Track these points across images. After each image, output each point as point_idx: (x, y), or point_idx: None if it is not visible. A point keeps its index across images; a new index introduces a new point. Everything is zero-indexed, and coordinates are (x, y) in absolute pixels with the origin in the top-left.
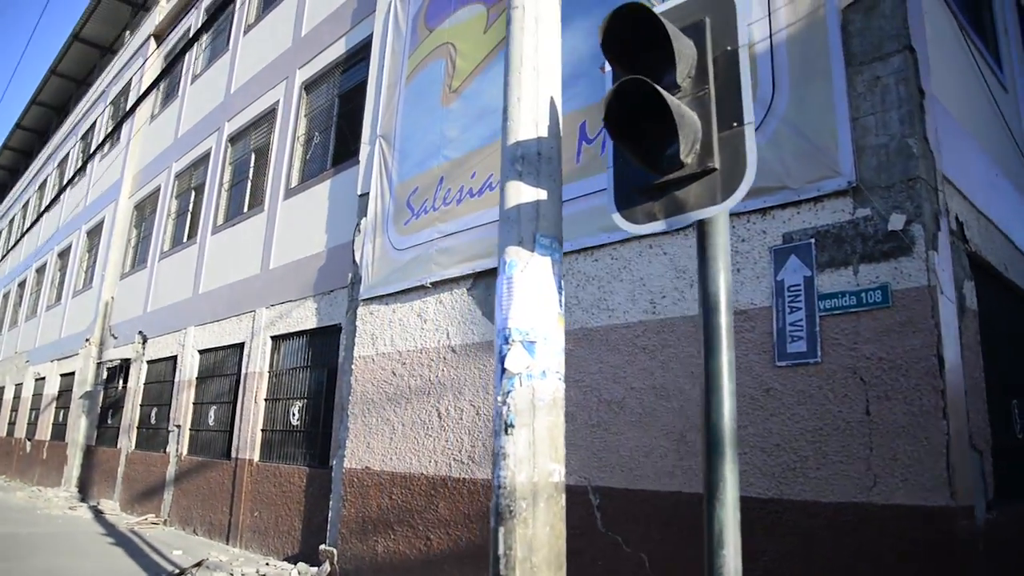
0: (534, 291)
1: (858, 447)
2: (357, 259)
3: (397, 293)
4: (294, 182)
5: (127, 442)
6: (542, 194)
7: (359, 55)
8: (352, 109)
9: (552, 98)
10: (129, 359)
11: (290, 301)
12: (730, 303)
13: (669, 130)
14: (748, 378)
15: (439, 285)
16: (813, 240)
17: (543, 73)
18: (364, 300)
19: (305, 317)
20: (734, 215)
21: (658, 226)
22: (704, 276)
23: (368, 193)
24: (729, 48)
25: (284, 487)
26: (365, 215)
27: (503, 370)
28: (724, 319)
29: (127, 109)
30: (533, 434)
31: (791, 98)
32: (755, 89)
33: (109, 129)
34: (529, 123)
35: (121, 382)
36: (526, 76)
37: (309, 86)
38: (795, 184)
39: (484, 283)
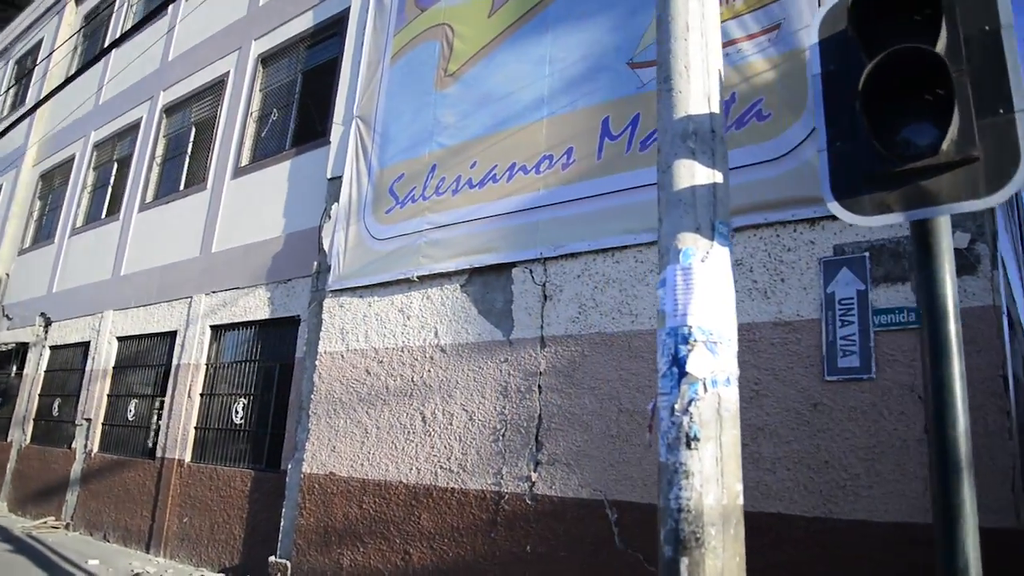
0: (716, 285)
1: (915, 466)
2: (325, 247)
3: (375, 286)
4: (245, 160)
5: (20, 435)
6: (718, 176)
7: (330, 31)
8: (319, 87)
9: (720, 71)
10: (27, 343)
11: (236, 289)
12: (957, 309)
13: (922, 111)
14: (794, 392)
15: (427, 280)
16: (867, 254)
17: (710, 42)
18: (333, 291)
19: (255, 307)
20: (778, 223)
21: (893, 218)
22: (929, 280)
23: (340, 177)
24: (987, 27)
25: (223, 491)
26: (337, 200)
27: (682, 374)
28: (952, 326)
29: (34, 69)
30: (720, 449)
31: None
32: (805, 99)
33: (10, 90)
34: (700, 96)
35: (15, 368)
36: (693, 44)
37: (267, 59)
38: None
39: (481, 280)
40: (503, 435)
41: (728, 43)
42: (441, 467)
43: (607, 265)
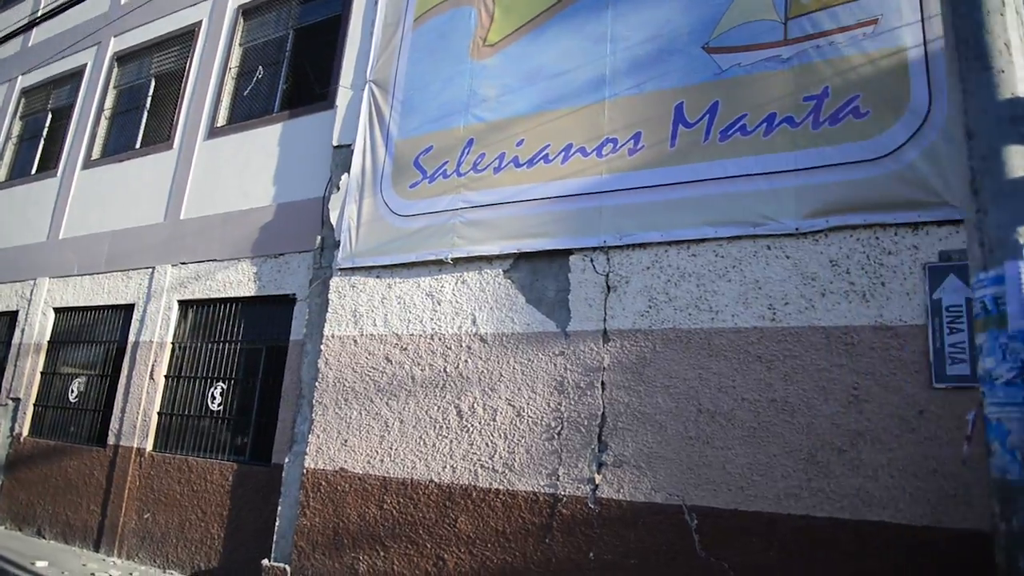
0: None
1: None
2: (332, 220)
3: (397, 266)
4: (222, 121)
5: None
6: None
7: None
8: (317, 46)
9: None
10: None
11: (212, 261)
12: None
13: None
14: (897, 398)
15: (462, 262)
16: None
17: None
18: (343, 270)
19: (236, 282)
20: (878, 225)
21: None
22: None
23: (350, 145)
24: None
25: (195, 485)
26: (347, 171)
27: None
28: None
29: None
30: None
31: (951, 111)
32: (906, 99)
33: None
34: None
35: None
36: (1011, 20)
37: (249, 11)
38: (956, 201)
39: (529, 266)
40: (559, 433)
41: (819, 34)
42: (482, 466)
43: (682, 258)
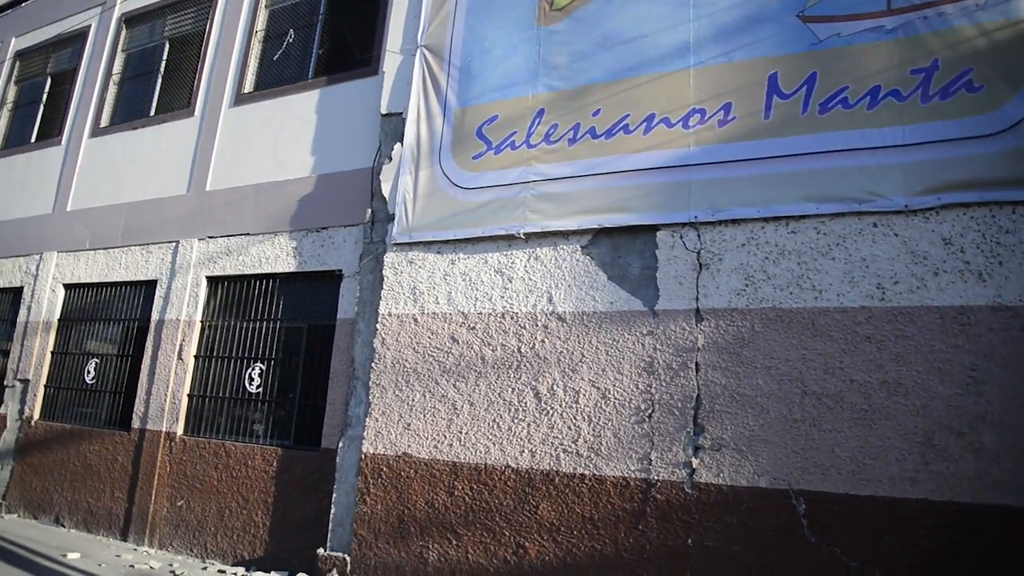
0: None
1: None
2: (384, 193)
3: (460, 241)
4: (249, 87)
5: None
6: None
7: None
8: (356, 9)
9: None
10: None
11: (245, 235)
12: None
13: None
14: (1019, 380)
15: (535, 238)
16: None
17: None
18: (399, 245)
19: (273, 257)
20: (994, 204)
21: None
22: None
23: (400, 114)
24: None
25: (235, 471)
26: (399, 141)
27: None
28: None
29: None
30: None
31: None
32: None
33: None
34: None
35: None
36: None
37: None
38: None
39: (610, 242)
40: (649, 416)
41: (925, 5)
42: (565, 450)
43: (780, 235)
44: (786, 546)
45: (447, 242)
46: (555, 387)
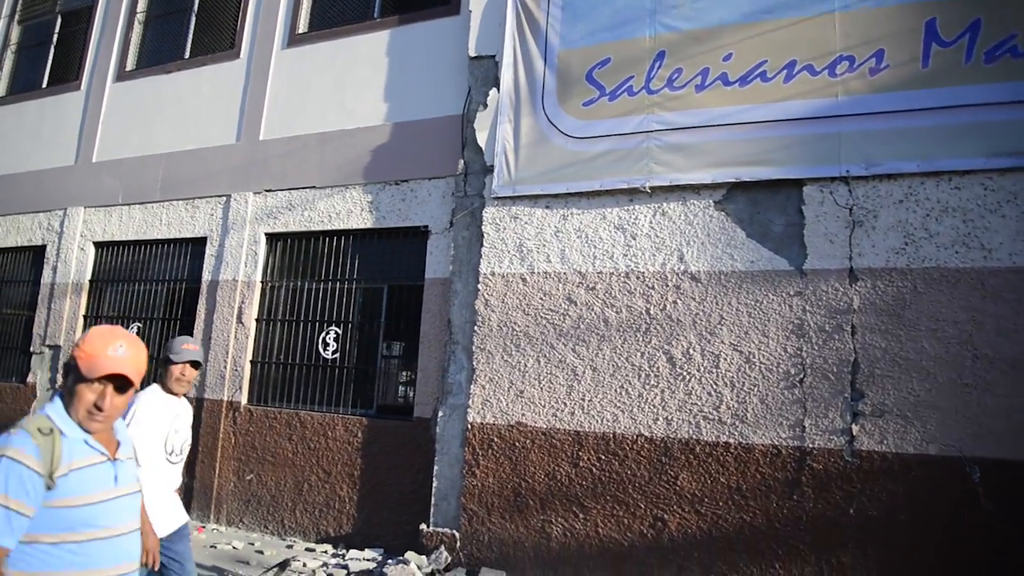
0: None
1: None
2: (480, 142)
3: (573, 195)
4: (303, 27)
5: None
6: None
7: None
8: None
9: None
10: None
11: (310, 188)
12: None
13: None
14: None
15: (661, 192)
16: None
17: None
18: (500, 199)
19: (344, 212)
20: None
21: None
22: None
23: (492, 57)
24: None
25: (312, 443)
26: (495, 86)
27: None
28: None
29: None
30: None
31: None
32: None
33: None
34: None
35: None
36: None
37: None
38: None
39: (747, 197)
40: (800, 381)
41: None
42: (705, 417)
43: (942, 191)
44: (962, 515)
45: (557, 196)
46: (691, 351)
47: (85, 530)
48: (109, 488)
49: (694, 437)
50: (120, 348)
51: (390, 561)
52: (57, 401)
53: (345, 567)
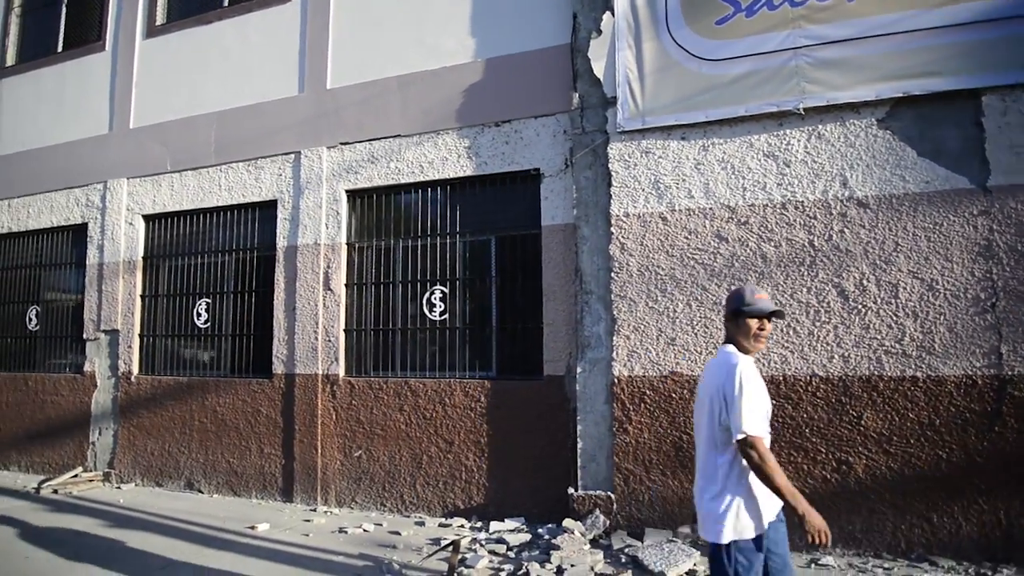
0: None
1: None
2: (598, 73)
3: (713, 123)
4: None
5: None
6: None
7: None
8: None
9: None
10: None
11: (394, 137)
12: None
13: None
14: None
15: (814, 113)
16: None
17: None
18: (627, 133)
19: (437, 161)
20: None
21: None
22: None
23: None
24: None
25: (426, 411)
26: (607, 9)
27: None
28: None
29: None
30: None
31: None
32: None
33: None
34: None
35: None
36: None
37: None
38: None
39: (914, 113)
40: (993, 306)
41: None
42: (887, 352)
43: None
44: None
45: (694, 125)
46: (865, 282)
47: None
48: None
49: (876, 373)
50: None
51: (540, 530)
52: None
53: (502, 541)
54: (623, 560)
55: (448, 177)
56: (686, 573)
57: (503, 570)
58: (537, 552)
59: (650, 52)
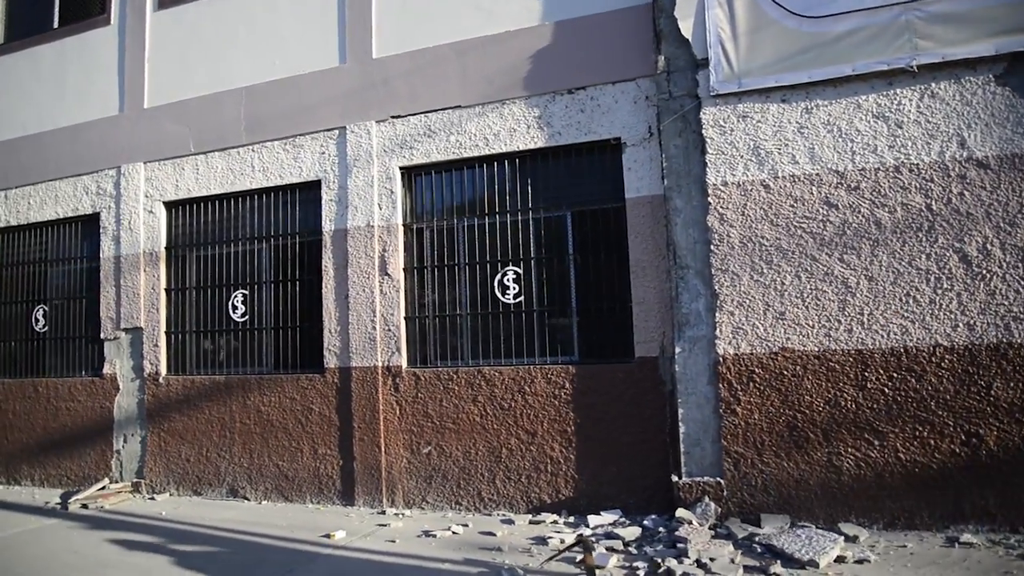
0: None
1: None
2: (686, 33)
3: (816, 84)
4: None
5: None
6: None
7: None
8: None
9: None
10: None
11: (453, 108)
12: None
13: None
14: None
15: (926, 71)
16: None
17: None
18: (721, 96)
19: (504, 132)
20: None
21: None
22: None
23: None
24: None
25: (503, 401)
26: None
27: None
28: None
29: None
30: None
31: None
32: None
33: None
34: None
35: None
36: None
37: None
38: None
39: None
40: None
41: None
42: (1015, 318)
43: None
44: None
45: (795, 87)
46: (989, 246)
47: None
48: None
49: (1005, 340)
50: None
51: (646, 522)
52: None
53: (613, 536)
54: (758, 550)
55: (517, 150)
56: (835, 560)
57: (638, 568)
58: (661, 546)
59: (743, 10)
